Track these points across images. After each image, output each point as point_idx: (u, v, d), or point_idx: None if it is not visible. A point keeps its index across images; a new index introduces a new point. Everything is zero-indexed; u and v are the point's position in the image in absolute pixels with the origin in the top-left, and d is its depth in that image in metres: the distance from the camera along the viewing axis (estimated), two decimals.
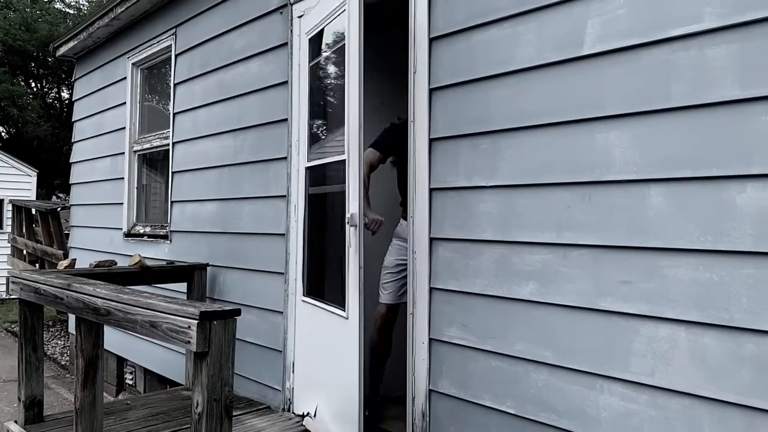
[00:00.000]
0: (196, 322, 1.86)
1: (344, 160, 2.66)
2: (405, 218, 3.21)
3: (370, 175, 3.34)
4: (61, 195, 19.65)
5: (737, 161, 1.70)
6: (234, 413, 2.29)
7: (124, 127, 5.12)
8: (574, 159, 2.07)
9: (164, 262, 4.17)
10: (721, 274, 1.73)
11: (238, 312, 1.94)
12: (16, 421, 3.12)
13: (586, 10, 2.05)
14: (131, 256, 3.81)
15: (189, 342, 1.88)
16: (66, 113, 19.29)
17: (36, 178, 12.54)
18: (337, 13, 2.80)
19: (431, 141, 2.53)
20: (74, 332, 5.80)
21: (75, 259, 4.32)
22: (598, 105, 2.01)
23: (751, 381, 1.66)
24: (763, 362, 1.65)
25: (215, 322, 1.88)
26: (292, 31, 3.32)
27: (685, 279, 1.80)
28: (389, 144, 3.36)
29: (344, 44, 2.68)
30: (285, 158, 3.33)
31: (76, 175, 6.10)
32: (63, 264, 3.72)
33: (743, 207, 1.69)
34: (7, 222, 11.31)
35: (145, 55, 4.91)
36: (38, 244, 8.26)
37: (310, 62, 3.22)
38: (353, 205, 2.59)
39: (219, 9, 3.95)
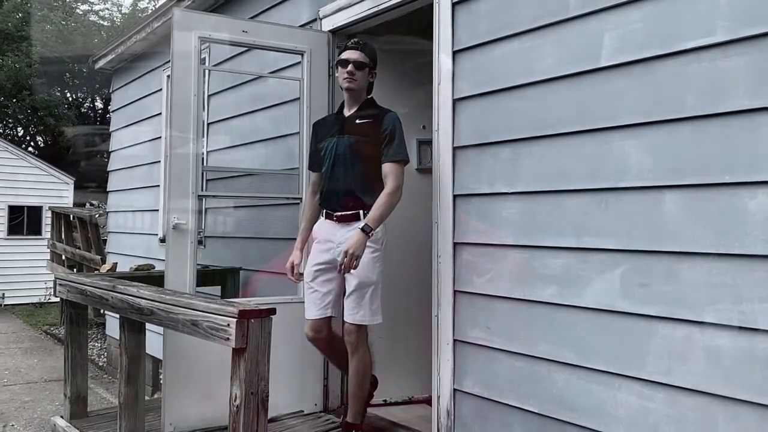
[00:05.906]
0: (235, 320, 1.99)
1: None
2: (325, 216, 2.81)
3: (314, 198, 2.93)
4: (94, 202, 20.18)
5: (748, 168, 1.77)
6: None
7: (160, 137, 5.33)
8: (591, 166, 2.16)
9: (199, 266, 4.32)
10: (734, 276, 1.79)
11: (273, 311, 2.07)
12: (62, 416, 3.30)
13: (603, 23, 2.14)
14: None
15: (228, 339, 2.01)
16: (99, 122, 19.85)
17: (73, 185, 12.95)
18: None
19: (455, 149, 2.63)
20: (111, 335, 6.01)
21: (116, 263, 4.52)
22: (615, 115, 2.09)
23: (764, 380, 1.72)
24: None
25: (252, 320, 2.01)
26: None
27: (700, 282, 1.87)
28: (317, 154, 2.93)
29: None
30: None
31: (114, 182, 6.34)
32: (105, 268, 3.91)
33: (755, 212, 1.76)
34: (46, 228, 11.70)
35: None
36: (77, 250, 8.55)
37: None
38: None
39: None
